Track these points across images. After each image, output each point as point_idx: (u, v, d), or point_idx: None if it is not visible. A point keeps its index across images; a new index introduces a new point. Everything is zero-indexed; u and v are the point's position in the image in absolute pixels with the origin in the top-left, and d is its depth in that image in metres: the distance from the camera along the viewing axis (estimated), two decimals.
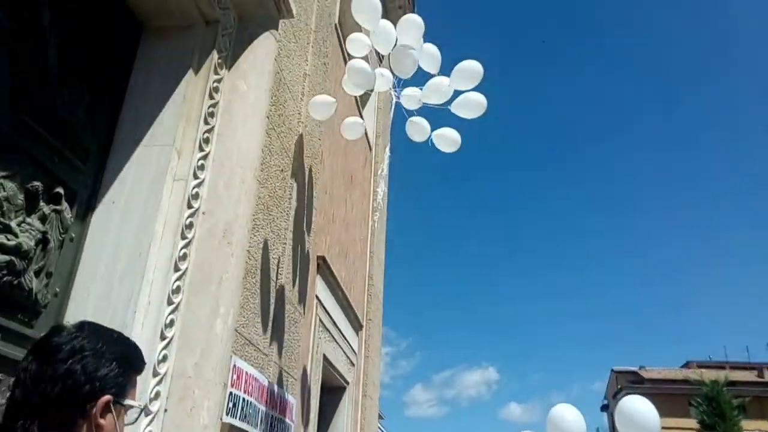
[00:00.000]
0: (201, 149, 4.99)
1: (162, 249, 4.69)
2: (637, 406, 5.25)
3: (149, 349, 4.39)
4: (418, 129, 6.59)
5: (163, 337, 4.51)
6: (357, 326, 10.73)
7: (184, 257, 4.81)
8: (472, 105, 6.39)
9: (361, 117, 11.20)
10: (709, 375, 11.72)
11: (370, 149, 12.64)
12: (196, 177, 4.96)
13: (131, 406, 1.72)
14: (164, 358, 4.48)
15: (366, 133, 11.78)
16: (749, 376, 41.96)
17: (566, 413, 5.40)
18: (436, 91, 6.36)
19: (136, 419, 1.76)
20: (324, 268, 8.49)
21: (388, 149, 9.20)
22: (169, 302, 4.63)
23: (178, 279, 4.76)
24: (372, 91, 6.47)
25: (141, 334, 4.36)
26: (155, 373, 4.38)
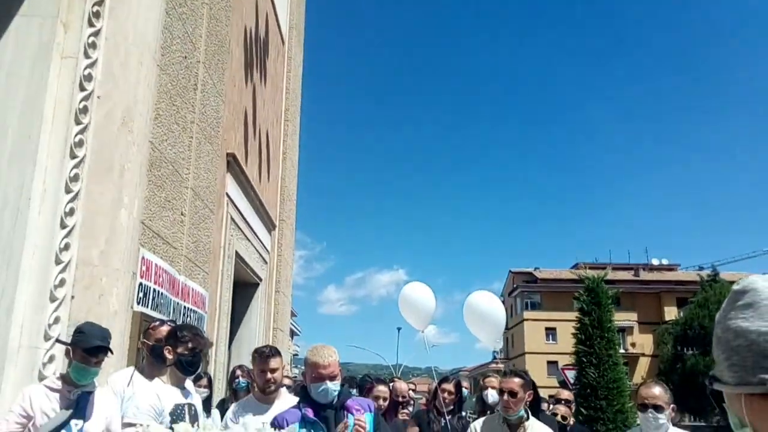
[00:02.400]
0: (91, 24, 4.59)
1: (55, 134, 4.40)
2: (483, 299, 5.69)
3: (49, 236, 4.21)
4: None
5: (63, 225, 4.33)
6: (270, 226, 10.72)
7: (80, 144, 4.54)
8: None
9: (274, 7, 10.65)
10: (594, 274, 13.06)
11: (283, 42, 12.08)
12: (87, 56, 4.60)
13: None
14: (66, 247, 4.32)
15: (278, 25, 11.25)
16: (627, 275, 46.40)
17: (416, 288, 5.76)
18: None
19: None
20: (234, 165, 8.29)
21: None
22: (68, 190, 4.41)
23: (76, 167, 4.51)
24: None
25: (38, 220, 4.17)
26: (58, 261, 4.24)
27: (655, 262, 51.40)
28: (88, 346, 3.14)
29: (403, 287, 5.95)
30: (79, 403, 3.15)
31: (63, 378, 3.23)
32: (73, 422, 3.09)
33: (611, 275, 23.97)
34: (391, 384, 6.08)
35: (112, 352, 3.31)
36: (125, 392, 3.56)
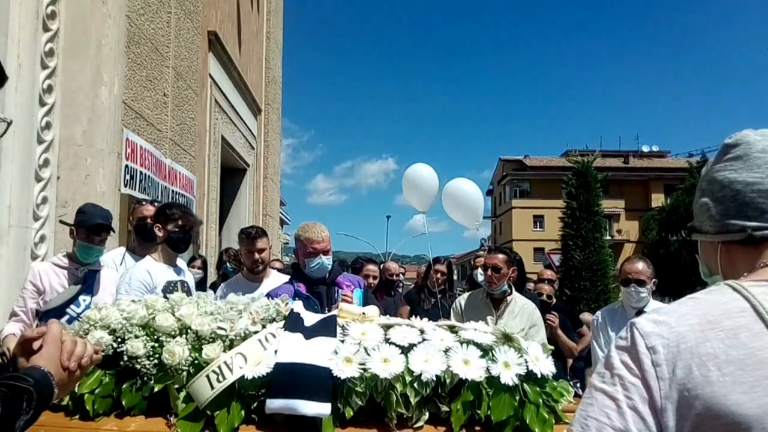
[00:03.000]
0: None
1: (24, 4, 4.13)
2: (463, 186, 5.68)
3: (28, 114, 4.08)
4: None
5: (42, 103, 4.18)
6: (255, 110, 10.48)
7: (53, 16, 4.28)
8: None
9: None
10: (584, 159, 13.01)
11: None
12: None
13: None
14: (48, 125, 4.20)
15: None
16: (617, 162, 46.64)
17: (420, 169, 5.73)
18: None
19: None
20: (216, 44, 7.95)
21: None
22: (44, 66, 4.21)
23: (50, 41, 4.28)
24: None
25: (16, 98, 4.01)
26: (40, 140, 4.14)
27: (645, 149, 51.40)
28: (89, 225, 3.19)
29: (406, 169, 5.89)
30: (86, 280, 3.25)
31: (69, 257, 3.31)
32: (81, 298, 3.19)
33: (601, 162, 24.08)
34: (382, 265, 6.24)
35: (114, 231, 3.35)
36: (118, 271, 3.62)
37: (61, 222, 3.82)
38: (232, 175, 9.54)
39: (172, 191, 6.21)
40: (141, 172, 5.42)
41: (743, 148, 0.94)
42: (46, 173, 4.13)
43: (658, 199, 43.25)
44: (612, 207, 39.98)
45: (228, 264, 5.65)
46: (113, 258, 3.84)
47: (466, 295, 4.07)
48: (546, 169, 46.29)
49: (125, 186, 5.04)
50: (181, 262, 3.59)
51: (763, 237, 0.91)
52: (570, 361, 5.01)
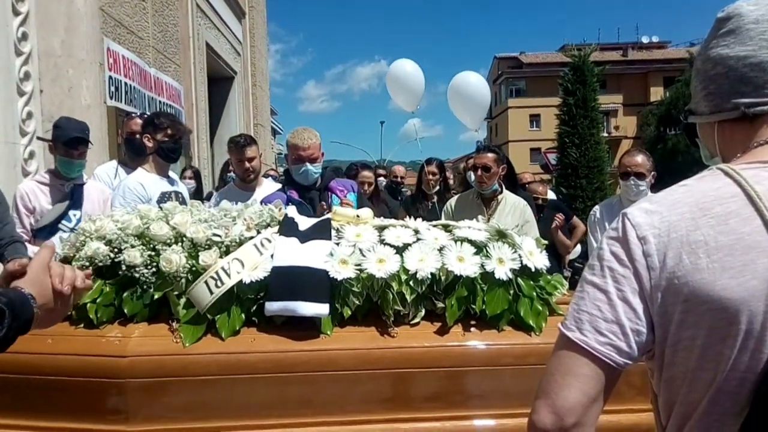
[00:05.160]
0: None
1: None
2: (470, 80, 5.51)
3: (3, 24, 3.90)
4: None
5: (16, 12, 3.99)
6: (239, 13, 10.05)
7: None
8: None
9: None
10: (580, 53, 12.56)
11: None
12: None
13: None
14: (24, 36, 4.03)
15: None
16: (615, 56, 45.44)
17: (403, 65, 5.57)
18: None
19: None
20: None
21: None
22: None
23: None
24: None
25: None
26: (18, 52, 3.99)
27: (644, 40, 49.88)
28: (66, 139, 3.15)
29: (389, 66, 5.72)
30: (73, 195, 3.23)
31: (53, 173, 3.29)
32: (71, 213, 3.20)
33: (599, 56, 23.40)
34: (380, 171, 6.25)
35: (91, 144, 3.29)
36: (112, 184, 3.60)
37: (39, 138, 3.77)
38: (219, 84, 9.30)
39: (160, 102, 6.07)
40: (126, 83, 5.27)
41: (735, 21, 0.90)
42: (28, 87, 4.01)
43: (657, 93, 42.56)
44: (610, 102, 39.36)
45: (233, 174, 5.63)
46: (106, 171, 3.81)
47: (455, 197, 4.07)
48: (542, 65, 45.20)
49: (111, 98, 4.93)
50: (173, 174, 3.56)
51: (757, 113, 0.88)
52: (567, 258, 5.10)
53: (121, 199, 3.13)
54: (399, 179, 6.65)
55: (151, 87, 5.87)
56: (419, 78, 5.56)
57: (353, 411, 1.54)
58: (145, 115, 3.98)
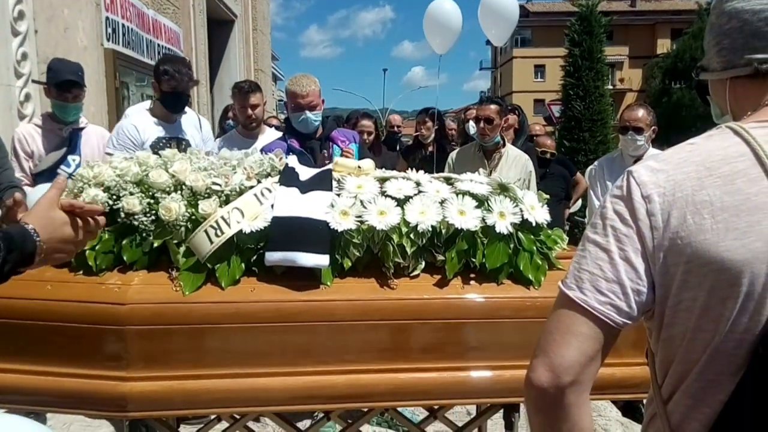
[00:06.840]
0: None
1: None
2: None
3: None
4: None
5: None
6: None
7: None
8: None
9: None
10: (588, 2, 12.20)
11: None
12: None
13: None
14: None
15: None
16: (623, 6, 44.38)
17: (445, 3, 5.46)
18: None
19: None
20: None
21: None
22: None
23: None
24: None
25: None
26: None
27: None
28: (58, 81, 3.08)
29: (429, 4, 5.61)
30: (71, 140, 3.19)
31: (50, 116, 3.24)
32: (70, 158, 3.17)
33: (606, 6, 22.86)
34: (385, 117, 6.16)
35: (85, 86, 3.23)
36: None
37: (35, 81, 3.71)
38: (219, 27, 9.08)
39: (158, 45, 5.94)
40: (123, 25, 5.15)
41: None
42: (23, 26, 3.91)
43: (663, 45, 41.70)
44: (616, 54, 38.62)
45: (231, 121, 5.56)
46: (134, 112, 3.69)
47: (457, 149, 4.03)
48: (549, 14, 44.19)
49: (108, 40, 4.81)
50: (188, 118, 3.41)
51: None
52: (567, 212, 5.10)
53: (115, 140, 3.11)
54: (395, 128, 6.50)
55: (149, 29, 5.74)
56: (458, 18, 5.48)
57: (352, 361, 1.56)
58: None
